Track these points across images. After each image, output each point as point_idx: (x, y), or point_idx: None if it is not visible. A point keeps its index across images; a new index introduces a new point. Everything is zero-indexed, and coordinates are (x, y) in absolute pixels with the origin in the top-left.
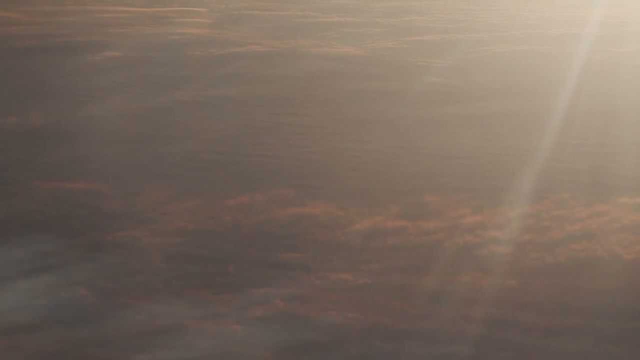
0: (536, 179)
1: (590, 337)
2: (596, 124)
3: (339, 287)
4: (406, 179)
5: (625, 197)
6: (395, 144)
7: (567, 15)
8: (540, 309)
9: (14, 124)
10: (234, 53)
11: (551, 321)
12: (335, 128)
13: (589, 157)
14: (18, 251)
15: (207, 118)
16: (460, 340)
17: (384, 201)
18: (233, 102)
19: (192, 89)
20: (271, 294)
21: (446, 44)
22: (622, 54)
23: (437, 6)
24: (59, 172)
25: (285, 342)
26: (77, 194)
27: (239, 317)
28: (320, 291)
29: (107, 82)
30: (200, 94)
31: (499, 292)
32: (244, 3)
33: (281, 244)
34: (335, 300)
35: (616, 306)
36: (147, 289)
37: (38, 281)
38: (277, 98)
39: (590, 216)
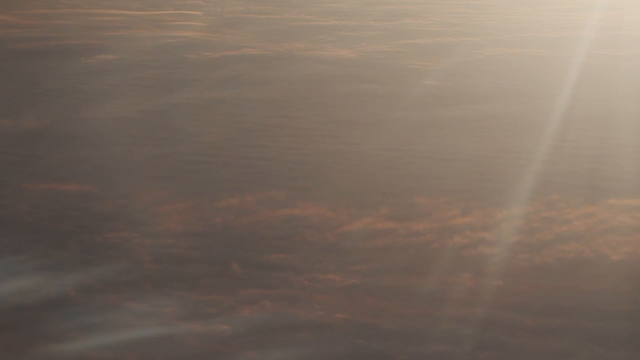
0: (526, 180)
1: (576, 337)
2: (588, 126)
3: (327, 288)
4: (397, 180)
5: (614, 199)
6: (387, 146)
7: (561, 19)
8: (527, 309)
9: (7, 126)
10: (229, 56)
11: (537, 321)
12: (328, 130)
13: (579, 160)
14: (8, 252)
15: (200, 121)
16: (447, 340)
17: (374, 203)
18: (227, 105)
19: (186, 92)
20: (259, 294)
21: (440, 47)
22: (616, 57)
23: (432, 10)
24: (51, 174)
25: (273, 342)
26: (68, 195)
27: (227, 318)
28: (309, 292)
29: (101, 85)
30: (194, 97)
31: (486, 293)
32: (240, 7)
33: (271, 245)
34: (323, 301)
35: (602, 307)
36: (136, 290)
37: (28, 281)
38: (271, 101)
39: (578, 218)
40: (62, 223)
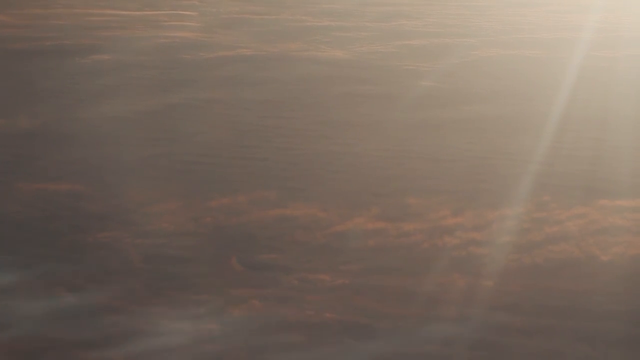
0: (518, 181)
1: (564, 337)
2: (584, 128)
3: (317, 288)
4: (389, 181)
5: (605, 200)
6: (380, 147)
7: (557, 21)
8: (516, 309)
9: (1, 125)
10: (224, 57)
11: (526, 321)
12: (321, 131)
13: (574, 161)
14: None
15: (194, 121)
16: (437, 340)
17: (366, 203)
18: (221, 105)
19: (181, 92)
20: (249, 294)
21: (435, 48)
22: (612, 58)
23: (428, 11)
24: (44, 174)
25: (261, 342)
26: (60, 195)
27: (216, 318)
28: (298, 292)
29: (96, 85)
30: (188, 97)
31: (475, 293)
32: (235, 7)
33: (261, 245)
34: (313, 301)
35: (591, 307)
36: (126, 290)
37: (18, 281)
38: (265, 101)
39: (569, 218)
40: (53, 223)
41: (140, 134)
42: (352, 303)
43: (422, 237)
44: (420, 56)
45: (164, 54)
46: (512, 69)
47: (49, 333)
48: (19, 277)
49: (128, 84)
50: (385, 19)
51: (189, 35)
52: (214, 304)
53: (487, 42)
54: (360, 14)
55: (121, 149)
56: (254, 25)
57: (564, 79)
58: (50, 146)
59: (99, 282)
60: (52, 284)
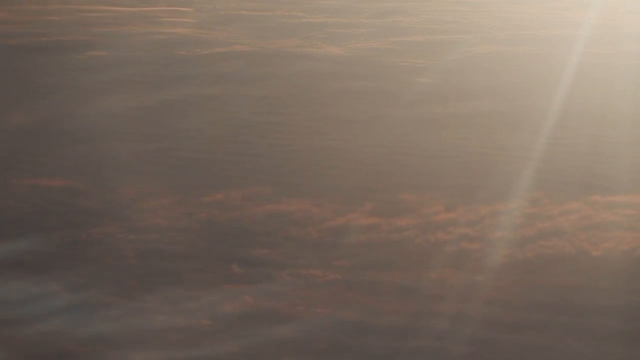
0: (514, 177)
1: (554, 332)
2: (579, 124)
3: (309, 283)
4: (382, 177)
5: (597, 196)
6: (374, 143)
7: (554, 17)
8: (507, 304)
9: None
10: (219, 53)
11: (516, 316)
12: (316, 127)
13: (568, 156)
14: None
15: (189, 117)
16: (427, 335)
17: (359, 199)
18: (216, 102)
19: (177, 89)
20: (241, 290)
21: (431, 44)
22: (609, 55)
23: (424, 7)
24: (38, 169)
25: (253, 338)
26: (54, 191)
27: (209, 313)
28: (291, 287)
29: (91, 81)
30: (184, 93)
31: (466, 288)
32: (232, 3)
33: (254, 241)
34: (305, 296)
35: (581, 302)
36: (120, 285)
37: (11, 277)
38: (260, 97)
39: (561, 214)
40: (47, 218)
41: (135, 130)
42: (344, 298)
43: (415, 232)
44: (416, 53)
45: (160, 50)
46: (509, 65)
47: (42, 328)
48: (12, 273)
49: (124, 80)
50: (382, 15)
51: (185, 31)
52: (206, 299)
53: (484, 38)
54: (356, 11)
55: (116, 145)
56: (250, 22)
57: (562, 75)
58: (45, 142)
59: (92, 278)
60: (46, 280)
